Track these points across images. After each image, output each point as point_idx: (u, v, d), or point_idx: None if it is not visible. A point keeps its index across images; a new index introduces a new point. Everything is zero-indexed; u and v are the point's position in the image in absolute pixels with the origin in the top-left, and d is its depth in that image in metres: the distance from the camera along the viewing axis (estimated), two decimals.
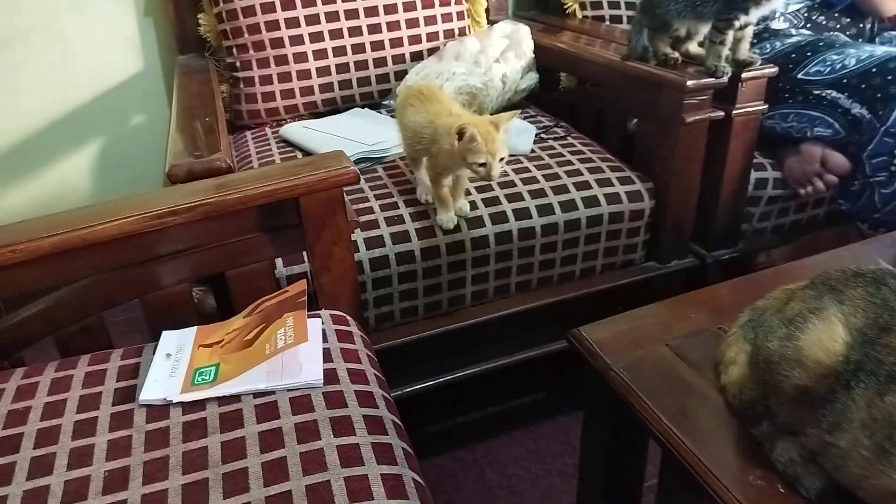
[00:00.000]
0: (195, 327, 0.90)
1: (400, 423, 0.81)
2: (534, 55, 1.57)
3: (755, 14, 1.14)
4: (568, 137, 1.44)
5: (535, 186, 1.25)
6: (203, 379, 0.81)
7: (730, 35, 1.15)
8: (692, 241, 1.36)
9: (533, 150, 1.36)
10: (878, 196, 1.30)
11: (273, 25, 1.51)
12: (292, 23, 1.51)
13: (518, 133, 1.35)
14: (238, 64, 1.55)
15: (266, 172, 0.91)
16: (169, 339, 0.89)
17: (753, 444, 0.67)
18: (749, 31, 1.19)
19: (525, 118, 1.52)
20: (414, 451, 0.77)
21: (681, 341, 0.81)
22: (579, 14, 1.78)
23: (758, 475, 0.64)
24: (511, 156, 1.33)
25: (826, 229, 1.48)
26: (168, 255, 0.90)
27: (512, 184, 1.26)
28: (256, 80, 1.54)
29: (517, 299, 1.28)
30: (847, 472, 0.57)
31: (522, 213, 1.22)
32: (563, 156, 1.35)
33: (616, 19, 1.74)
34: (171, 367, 0.84)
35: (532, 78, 1.59)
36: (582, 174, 1.29)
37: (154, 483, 0.69)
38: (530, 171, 1.29)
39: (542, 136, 1.44)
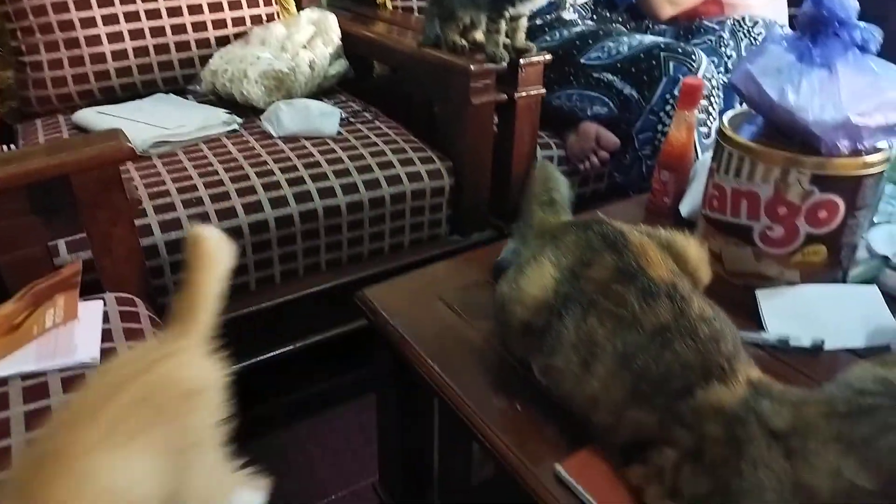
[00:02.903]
0: None
1: None
2: (345, 43, 1.61)
3: (523, 8, 1.26)
4: (375, 122, 1.50)
5: (339, 166, 1.30)
6: None
7: (503, 24, 1.26)
8: (491, 215, 1.47)
9: (340, 133, 1.41)
10: (645, 168, 1.48)
11: (61, 7, 1.43)
12: (83, 4, 1.44)
13: (323, 116, 1.39)
14: (24, 48, 1.45)
15: (33, 150, 0.88)
16: None
17: (505, 378, 0.76)
18: (523, 22, 1.31)
19: (335, 104, 1.56)
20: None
21: (453, 294, 0.90)
22: (389, 5, 1.85)
23: (500, 399, 0.73)
24: (316, 138, 1.38)
25: (608, 201, 1.66)
26: None
27: (317, 164, 1.29)
28: (45, 64, 1.45)
29: (328, 276, 1.31)
30: (563, 387, 0.66)
31: (327, 192, 1.26)
32: (369, 138, 1.41)
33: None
34: None
35: (342, 64, 1.63)
36: (385, 154, 1.35)
37: None
38: (336, 153, 1.33)
39: (351, 120, 1.48)
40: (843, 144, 0.77)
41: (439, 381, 0.76)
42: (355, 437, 1.43)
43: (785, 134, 0.82)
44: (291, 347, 1.31)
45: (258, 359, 1.28)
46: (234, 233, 1.17)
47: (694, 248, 0.72)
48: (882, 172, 0.81)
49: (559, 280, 0.68)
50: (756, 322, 0.84)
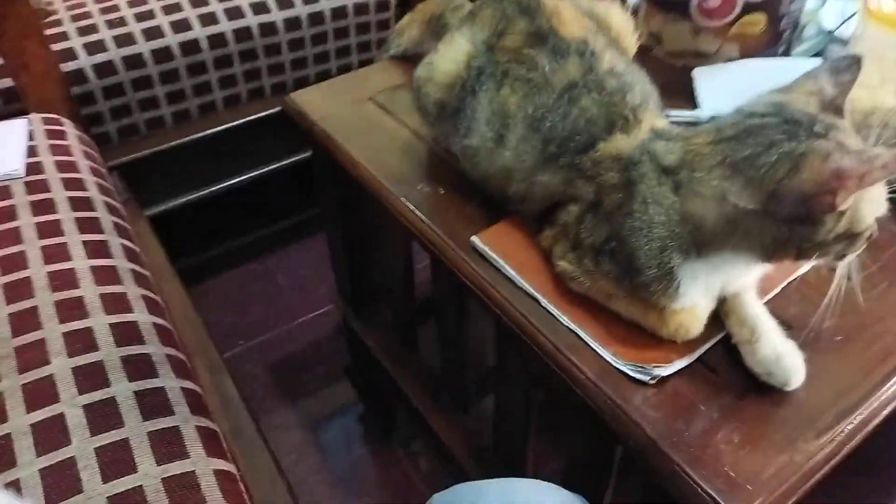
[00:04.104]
0: None
1: (114, 199, 0.82)
2: None
3: None
4: None
5: None
6: None
7: None
8: None
9: None
10: None
11: None
12: None
13: None
14: None
15: None
16: None
17: (431, 167, 0.75)
18: None
19: None
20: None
21: (384, 95, 0.87)
22: None
23: (424, 186, 0.72)
24: None
25: None
26: None
27: None
28: None
29: (274, 101, 1.27)
30: (479, 167, 0.65)
31: (260, 7, 1.18)
32: None
33: None
34: None
35: None
36: None
37: None
38: None
39: None
40: None
41: (365, 174, 0.75)
42: (322, 267, 1.46)
43: None
44: (245, 177, 1.30)
45: (211, 189, 1.28)
46: (164, 54, 1.12)
47: (616, 15, 0.68)
48: None
49: (472, 54, 0.65)
50: (694, 103, 0.82)
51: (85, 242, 0.71)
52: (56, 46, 1.04)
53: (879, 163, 0.40)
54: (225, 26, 1.15)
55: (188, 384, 0.60)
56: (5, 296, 0.62)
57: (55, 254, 0.68)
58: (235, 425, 0.75)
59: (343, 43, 1.29)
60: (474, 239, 0.64)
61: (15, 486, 0.49)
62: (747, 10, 0.77)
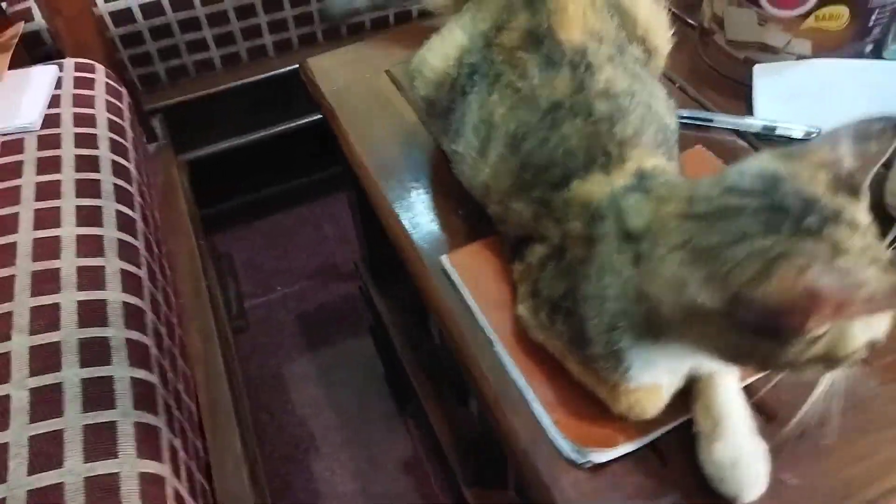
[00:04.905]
0: None
1: (129, 152, 0.82)
2: None
3: None
4: None
5: None
6: None
7: None
8: None
9: None
10: None
11: None
12: None
13: None
14: None
15: None
16: None
17: (428, 162, 0.69)
18: None
19: None
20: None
21: (402, 67, 0.80)
22: None
23: (414, 183, 0.67)
24: None
25: None
26: None
27: None
28: None
29: (326, 48, 1.21)
30: (465, 174, 0.58)
31: None
32: None
33: None
34: None
35: None
36: None
37: None
38: None
39: None
40: None
41: (358, 161, 0.70)
42: None
43: None
44: (298, 122, 1.28)
45: (263, 133, 1.27)
46: None
47: (646, 7, 0.57)
48: None
49: (466, 49, 0.57)
50: (750, 105, 0.70)
51: (79, 207, 0.71)
52: None
53: (864, 294, 0.31)
54: None
55: (141, 373, 0.60)
56: None
57: (46, 218, 0.69)
58: (215, 399, 0.76)
59: None
60: (443, 258, 0.58)
61: None
62: (826, 0, 0.63)
